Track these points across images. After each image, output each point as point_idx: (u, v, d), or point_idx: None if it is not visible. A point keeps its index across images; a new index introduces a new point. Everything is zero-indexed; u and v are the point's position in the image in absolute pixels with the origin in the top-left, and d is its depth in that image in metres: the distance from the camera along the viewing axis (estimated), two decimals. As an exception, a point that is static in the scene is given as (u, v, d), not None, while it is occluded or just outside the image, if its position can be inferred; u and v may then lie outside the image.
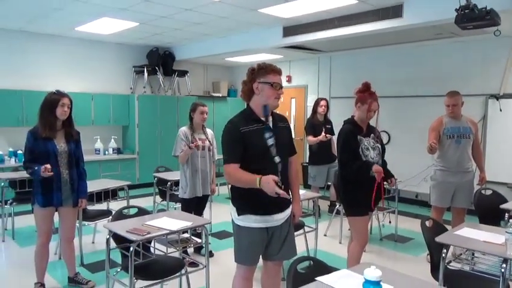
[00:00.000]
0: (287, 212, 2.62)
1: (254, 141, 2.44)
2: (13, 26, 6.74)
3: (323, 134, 5.69)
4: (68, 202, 3.41)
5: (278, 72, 2.52)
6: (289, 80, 9.11)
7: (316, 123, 5.95)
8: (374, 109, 3.25)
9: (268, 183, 2.24)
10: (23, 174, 4.66)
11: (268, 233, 2.54)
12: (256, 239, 2.51)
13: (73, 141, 3.42)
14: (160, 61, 8.50)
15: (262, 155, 2.43)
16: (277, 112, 2.68)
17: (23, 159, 3.38)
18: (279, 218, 2.55)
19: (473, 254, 2.84)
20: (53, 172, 3.22)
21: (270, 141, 2.46)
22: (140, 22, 6.31)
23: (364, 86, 3.29)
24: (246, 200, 2.49)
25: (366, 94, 3.25)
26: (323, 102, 5.99)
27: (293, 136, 8.87)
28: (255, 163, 2.40)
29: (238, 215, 2.51)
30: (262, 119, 2.51)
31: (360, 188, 3.27)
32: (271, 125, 2.53)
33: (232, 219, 2.59)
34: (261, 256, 2.63)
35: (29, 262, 3.54)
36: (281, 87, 2.51)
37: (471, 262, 2.84)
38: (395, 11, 5.07)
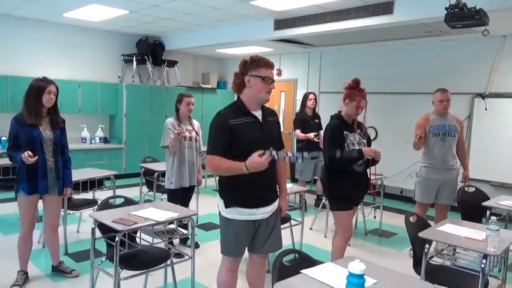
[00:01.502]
0: (274, 205, 2.62)
1: (242, 134, 2.43)
2: (0, 10, 6.60)
3: (312, 134, 5.71)
4: (54, 190, 3.38)
5: (271, 66, 2.50)
6: (279, 73, 9.11)
7: (305, 118, 5.96)
8: (362, 106, 3.27)
9: (256, 163, 2.29)
10: (7, 161, 4.57)
11: (255, 226, 2.55)
12: (243, 232, 2.52)
13: (59, 128, 3.37)
14: (150, 50, 8.41)
15: (249, 148, 2.38)
16: (268, 106, 2.66)
17: (7, 146, 3.32)
18: (266, 212, 2.56)
19: (454, 250, 2.89)
20: (39, 159, 3.18)
21: (258, 135, 2.45)
22: (130, 10, 6.22)
23: (354, 83, 3.30)
24: (234, 193, 2.49)
25: (355, 91, 3.26)
26: (311, 96, 6.00)
27: (282, 130, 8.91)
28: (241, 156, 2.37)
29: (226, 207, 2.51)
30: (253, 112, 2.50)
31: (345, 182, 3.30)
32: (260, 119, 2.52)
33: (219, 212, 2.59)
34: (246, 248, 2.64)
35: (12, 250, 3.50)
36: (273, 81, 2.49)
37: (452, 257, 2.89)
38: (386, 8, 5.10)
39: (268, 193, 2.59)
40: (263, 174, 2.40)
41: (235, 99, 2.59)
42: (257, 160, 2.28)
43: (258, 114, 2.53)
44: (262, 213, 2.53)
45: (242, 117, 2.47)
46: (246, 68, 2.49)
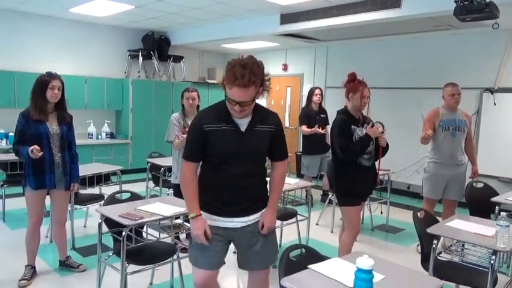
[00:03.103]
0: (252, 218, 2.26)
1: (215, 143, 2.14)
2: (6, 6, 6.61)
3: (316, 127, 5.68)
4: (61, 185, 3.38)
5: (238, 85, 1.98)
6: (285, 68, 9.07)
7: (311, 113, 5.93)
8: (366, 95, 3.26)
9: (196, 229, 2.13)
10: (14, 156, 4.58)
11: (230, 235, 2.26)
12: (213, 240, 2.20)
13: (65, 124, 3.37)
14: (155, 46, 8.40)
15: (222, 160, 2.15)
16: (268, 109, 2.32)
17: (13, 141, 3.33)
18: (240, 221, 2.24)
19: (463, 246, 2.87)
20: (46, 154, 3.19)
21: (235, 147, 2.15)
22: (135, 5, 6.21)
23: (351, 76, 3.31)
24: (204, 197, 2.24)
25: (355, 82, 3.27)
26: (317, 91, 5.96)
27: (287, 125, 8.86)
28: (216, 165, 2.17)
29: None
30: (235, 119, 2.15)
31: (353, 177, 3.28)
32: (245, 127, 2.17)
33: None
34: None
35: (20, 245, 3.52)
36: (239, 103, 2.04)
37: (461, 253, 2.87)
38: (394, 1, 5.04)
39: (243, 202, 2.24)
40: (244, 182, 2.19)
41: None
42: (198, 232, 2.13)
43: (244, 121, 2.16)
44: (235, 221, 2.24)
45: (221, 123, 2.13)
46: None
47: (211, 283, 2.29)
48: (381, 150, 3.32)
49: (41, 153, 3.11)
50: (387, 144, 3.33)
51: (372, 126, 3.35)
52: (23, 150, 3.13)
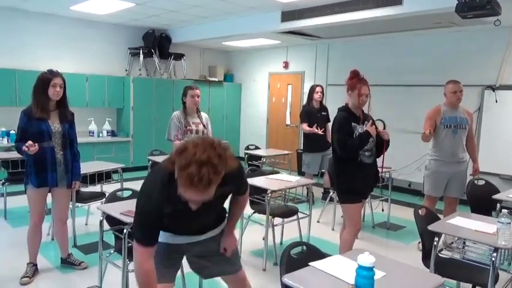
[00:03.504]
0: (209, 235, 2.16)
1: (166, 223, 1.90)
2: (6, 4, 6.61)
3: (315, 127, 5.67)
4: (63, 183, 3.39)
5: (194, 190, 1.63)
6: (286, 66, 9.06)
7: (312, 111, 5.92)
8: (364, 93, 3.26)
9: None
10: (16, 155, 4.61)
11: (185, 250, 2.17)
12: (166, 252, 2.07)
13: (67, 122, 3.37)
14: (156, 43, 8.39)
15: (180, 223, 1.98)
16: (232, 172, 1.79)
17: (15, 139, 3.33)
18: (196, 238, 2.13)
19: (464, 243, 2.87)
20: (48, 152, 3.19)
21: (187, 224, 1.99)
22: (136, 3, 6.20)
23: (352, 73, 3.33)
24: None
25: (354, 80, 3.28)
26: (318, 89, 5.95)
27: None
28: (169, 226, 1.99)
29: None
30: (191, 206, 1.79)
31: (354, 175, 3.29)
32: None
33: None
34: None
35: (22, 242, 3.53)
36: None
37: (462, 251, 2.87)
38: (395, -2, 5.02)
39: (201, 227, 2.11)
40: (199, 228, 2.08)
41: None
42: None
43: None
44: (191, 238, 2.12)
45: (178, 202, 1.77)
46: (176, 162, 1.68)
47: None
48: (385, 144, 3.32)
49: (35, 147, 3.08)
50: (388, 140, 3.33)
51: (373, 123, 3.35)
52: (21, 146, 3.12)
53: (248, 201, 2.35)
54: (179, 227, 2.05)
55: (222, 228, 2.23)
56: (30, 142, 3.06)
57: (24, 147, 3.05)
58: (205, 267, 2.26)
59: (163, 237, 2.02)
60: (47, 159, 3.24)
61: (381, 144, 3.35)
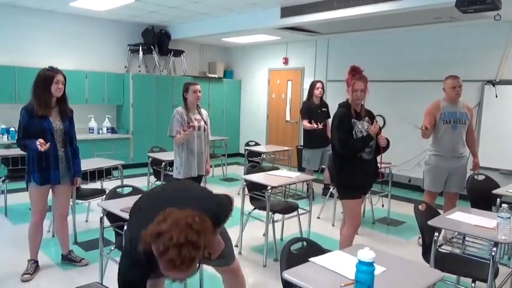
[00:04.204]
0: None
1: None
2: (5, 0, 6.58)
3: (314, 124, 5.68)
4: (65, 180, 3.40)
5: (181, 270, 1.54)
6: (286, 62, 9.04)
7: (312, 107, 5.92)
8: (358, 88, 3.24)
9: None
10: (16, 152, 4.62)
11: None
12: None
13: (68, 118, 3.37)
14: (156, 40, 8.37)
15: None
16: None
17: (16, 137, 3.33)
18: None
19: (464, 238, 2.87)
20: (51, 150, 3.19)
21: None
22: (135, -1, 6.18)
23: (350, 69, 3.32)
24: None
25: (349, 76, 3.28)
26: (318, 85, 5.95)
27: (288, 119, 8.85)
28: None
29: None
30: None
31: (353, 171, 3.29)
32: None
33: None
34: None
35: (22, 240, 3.54)
36: None
37: (462, 246, 2.88)
38: (395, -7, 5.00)
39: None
40: None
41: None
42: None
43: None
44: None
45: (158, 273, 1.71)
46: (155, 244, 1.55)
47: None
48: (382, 149, 3.31)
49: (48, 144, 3.10)
50: (388, 142, 3.31)
51: (373, 120, 3.35)
52: (31, 144, 3.11)
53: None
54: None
55: None
56: (41, 140, 3.08)
57: (39, 146, 3.05)
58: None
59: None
60: (50, 157, 3.24)
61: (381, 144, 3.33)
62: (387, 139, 3.30)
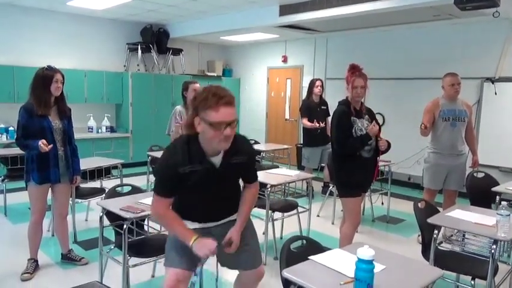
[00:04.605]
0: (225, 221, 2.26)
1: (189, 182, 2.01)
2: (4, 0, 6.57)
3: (315, 122, 5.68)
4: (65, 179, 3.40)
5: (225, 103, 1.87)
6: (285, 60, 9.03)
7: (312, 105, 5.92)
8: (358, 85, 3.23)
9: (203, 250, 2.00)
10: (15, 151, 4.61)
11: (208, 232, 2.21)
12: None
13: (66, 117, 3.38)
14: (154, 39, 8.36)
15: (193, 193, 2.10)
16: (240, 138, 2.13)
17: (16, 136, 3.32)
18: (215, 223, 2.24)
19: (463, 236, 2.88)
20: (51, 149, 3.19)
21: (208, 184, 2.06)
22: (133, -3, 6.17)
23: (349, 67, 3.31)
24: (180, 212, 2.15)
25: (349, 73, 3.28)
26: (318, 83, 5.94)
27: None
28: (187, 199, 2.12)
29: None
30: (211, 158, 2.02)
31: (353, 169, 3.28)
32: (219, 163, 2.05)
33: None
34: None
35: (22, 239, 3.54)
36: (229, 124, 1.90)
37: (461, 243, 2.88)
38: (394, -9, 5.00)
39: (217, 213, 2.24)
40: (217, 204, 2.16)
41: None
42: (205, 251, 2.00)
43: (218, 158, 2.04)
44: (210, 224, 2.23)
45: (195, 163, 1.98)
46: (195, 106, 1.94)
47: (181, 285, 2.12)
48: (381, 152, 3.31)
49: (51, 145, 3.12)
50: (389, 144, 3.29)
51: (374, 118, 3.35)
52: (33, 143, 3.11)
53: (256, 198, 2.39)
54: (197, 208, 2.16)
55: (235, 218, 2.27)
56: (44, 141, 3.09)
57: (42, 147, 3.05)
58: (224, 255, 2.22)
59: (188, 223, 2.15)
60: (50, 156, 3.24)
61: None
62: (388, 142, 3.28)
